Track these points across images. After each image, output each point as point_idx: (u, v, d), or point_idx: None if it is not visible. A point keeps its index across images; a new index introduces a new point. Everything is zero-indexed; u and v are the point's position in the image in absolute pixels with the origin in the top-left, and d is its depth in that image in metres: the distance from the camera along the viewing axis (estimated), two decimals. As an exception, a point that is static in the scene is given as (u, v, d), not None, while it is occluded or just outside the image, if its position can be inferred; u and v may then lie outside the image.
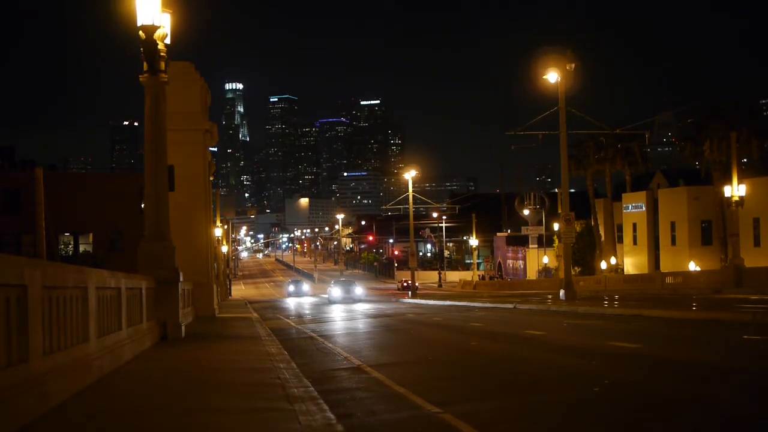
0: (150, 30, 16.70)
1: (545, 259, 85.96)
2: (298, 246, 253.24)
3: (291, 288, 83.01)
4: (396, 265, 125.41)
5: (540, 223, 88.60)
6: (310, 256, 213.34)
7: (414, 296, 61.48)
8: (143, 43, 16.87)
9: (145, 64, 17.30)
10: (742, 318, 19.89)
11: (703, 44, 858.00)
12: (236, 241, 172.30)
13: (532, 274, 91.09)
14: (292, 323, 29.76)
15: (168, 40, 17.45)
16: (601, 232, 74.17)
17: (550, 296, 43.02)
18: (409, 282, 71.58)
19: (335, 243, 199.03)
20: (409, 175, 68.55)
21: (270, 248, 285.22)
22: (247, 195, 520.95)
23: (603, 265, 72.00)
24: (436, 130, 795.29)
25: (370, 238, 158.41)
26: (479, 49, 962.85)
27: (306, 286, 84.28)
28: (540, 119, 39.24)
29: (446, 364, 13.75)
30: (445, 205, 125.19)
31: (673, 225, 67.68)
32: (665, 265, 66.11)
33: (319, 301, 58.42)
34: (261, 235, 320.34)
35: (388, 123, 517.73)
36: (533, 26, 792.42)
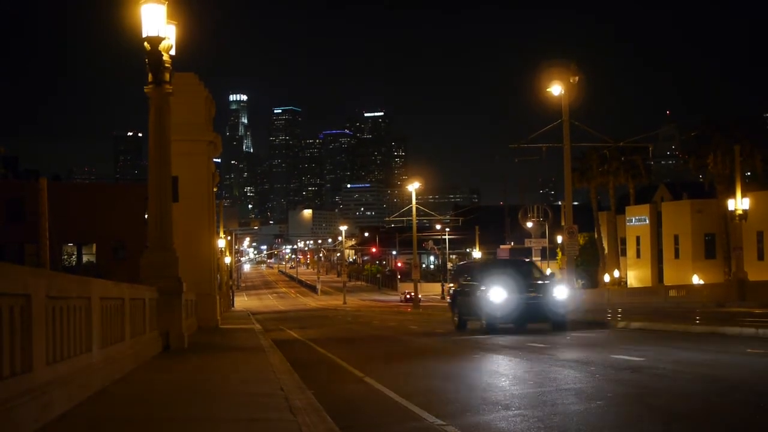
0: (155, 41, 16.77)
1: (548, 272, 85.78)
2: (300, 257, 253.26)
3: (495, 296, 23.94)
4: (399, 277, 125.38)
5: (543, 235, 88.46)
6: (313, 268, 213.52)
7: (417, 308, 61.33)
8: (148, 54, 16.93)
9: (149, 75, 17.35)
10: (746, 331, 19.84)
11: (709, 56, 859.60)
12: (239, 252, 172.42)
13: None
14: (295, 334, 29.73)
15: (173, 52, 17.54)
16: (605, 245, 74.08)
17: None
18: (412, 294, 71.56)
19: (338, 255, 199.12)
20: (413, 187, 68.62)
21: (273, 259, 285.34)
22: (250, 206, 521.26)
23: (606, 278, 71.93)
24: (439, 143, 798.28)
25: (373, 249, 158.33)
26: (483, 61, 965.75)
27: (560, 290, 25.05)
28: (543, 132, 39.16)
29: (449, 377, 13.72)
30: (448, 217, 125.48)
31: (676, 238, 67.61)
32: (668, 279, 66.02)
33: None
34: (264, 246, 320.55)
35: (392, 135, 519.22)
36: (538, 38, 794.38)
